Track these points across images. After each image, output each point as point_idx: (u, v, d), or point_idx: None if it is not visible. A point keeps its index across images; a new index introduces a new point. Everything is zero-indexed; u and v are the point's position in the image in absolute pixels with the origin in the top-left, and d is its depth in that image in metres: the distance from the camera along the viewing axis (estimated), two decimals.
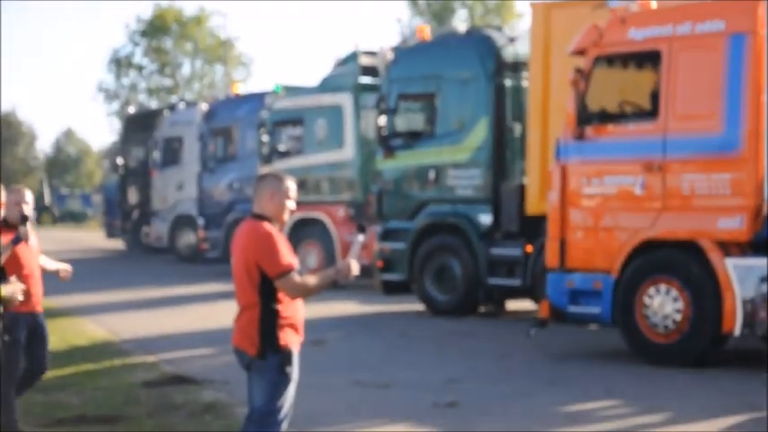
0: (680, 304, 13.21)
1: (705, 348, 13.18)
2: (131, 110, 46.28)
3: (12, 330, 9.08)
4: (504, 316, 18.85)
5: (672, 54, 13.43)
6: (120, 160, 37.85)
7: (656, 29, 13.69)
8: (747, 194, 12.81)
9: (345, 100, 23.57)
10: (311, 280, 7.02)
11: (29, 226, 9.24)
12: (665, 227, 13.41)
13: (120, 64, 70.91)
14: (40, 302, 9.51)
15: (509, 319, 18.48)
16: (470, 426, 10.24)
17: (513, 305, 19.16)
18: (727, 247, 12.97)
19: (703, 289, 13.02)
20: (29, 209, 9.32)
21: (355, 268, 7.04)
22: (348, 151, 23.61)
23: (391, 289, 19.62)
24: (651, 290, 13.43)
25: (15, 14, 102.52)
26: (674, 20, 13.57)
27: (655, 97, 13.71)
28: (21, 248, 9.14)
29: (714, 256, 12.95)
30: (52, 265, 9.79)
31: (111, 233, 41.69)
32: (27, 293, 9.14)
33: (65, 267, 9.81)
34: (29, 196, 9.39)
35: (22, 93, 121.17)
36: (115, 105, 71.03)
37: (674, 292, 13.26)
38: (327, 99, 23.89)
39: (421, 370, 13.41)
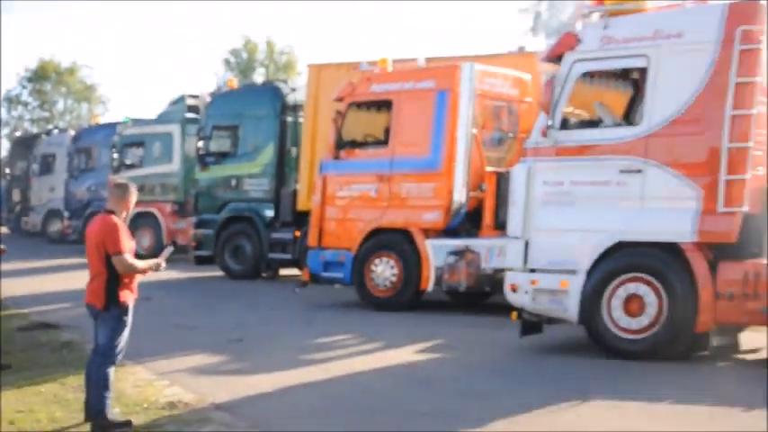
0: (395, 270, 13.61)
1: (410, 299, 13.59)
2: (17, 134, 44.65)
3: None
4: (278, 279, 18.82)
5: (400, 102, 13.77)
6: (7, 170, 36.65)
7: (390, 85, 13.99)
8: (443, 198, 13.29)
9: (175, 129, 23.22)
10: (138, 264, 7.07)
11: None
12: (389, 219, 13.75)
13: (11, 101, 68.05)
14: None
15: (282, 281, 18.42)
16: (251, 353, 10.32)
17: (285, 272, 19.15)
18: (428, 233, 13.41)
19: (411, 260, 13.44)
20: None
21: (163, 265, 7.19)
22: (175, 165, 23.25)
23: (202, 261, 19.51)
24: (377, 261, 13.76)
25: None
26: (402, 79, 13.93)
27: (387, 131, 14.03)
28: None
29: (419, 238, 13.41)
30: None
31: None
32: None
33: None
34: None
35: None
36: (6, 131, 68.11)
37: (392, 263, 13.64)
38: (162, 128, 23.49)
39: (219, 316, 13.43)
